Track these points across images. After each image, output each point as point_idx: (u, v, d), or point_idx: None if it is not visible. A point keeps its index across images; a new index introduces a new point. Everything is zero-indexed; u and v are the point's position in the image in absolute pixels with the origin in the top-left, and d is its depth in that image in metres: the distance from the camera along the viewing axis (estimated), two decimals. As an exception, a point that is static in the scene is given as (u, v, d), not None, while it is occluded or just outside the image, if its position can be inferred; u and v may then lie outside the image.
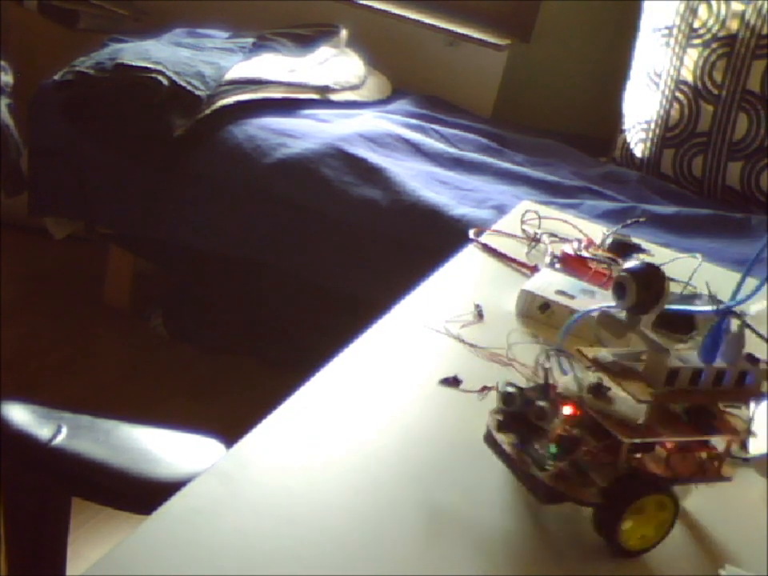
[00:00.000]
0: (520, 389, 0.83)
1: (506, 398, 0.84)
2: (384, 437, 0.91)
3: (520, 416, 0.83)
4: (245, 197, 2.37)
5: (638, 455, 0.82)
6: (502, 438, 0.84)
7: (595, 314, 0.86)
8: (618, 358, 0.83)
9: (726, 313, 0.82)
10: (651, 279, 0.83)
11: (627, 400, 0.80)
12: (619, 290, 0.83)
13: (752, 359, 0.84)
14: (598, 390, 0.82)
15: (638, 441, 0.80)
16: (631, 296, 0.82)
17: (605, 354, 0.84)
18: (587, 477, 0.81)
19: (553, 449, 0.81)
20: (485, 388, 0.97)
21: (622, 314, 0.84)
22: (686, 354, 0.83)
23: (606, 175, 2.75)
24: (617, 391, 0.81)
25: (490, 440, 0.85)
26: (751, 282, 0.84)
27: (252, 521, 0.76)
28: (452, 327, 1.12)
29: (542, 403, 0.81)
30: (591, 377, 0.83)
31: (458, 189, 2.37)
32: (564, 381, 0.83)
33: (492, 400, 0.97)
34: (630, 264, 0.85)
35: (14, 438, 1.08)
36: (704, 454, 0.84)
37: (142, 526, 0.72)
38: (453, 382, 1.01)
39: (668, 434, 0.81)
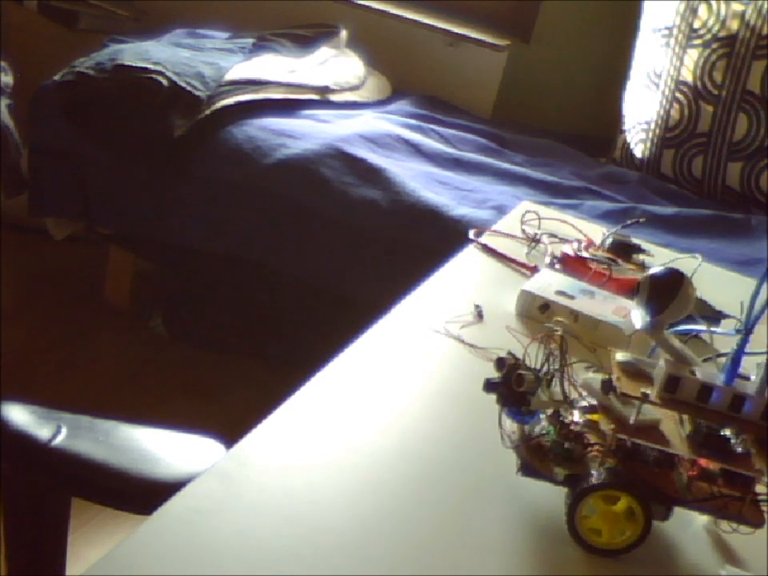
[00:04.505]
0: (516, 358, 0.84)
1: (497, 362, 0.84)
2: (384, 437, 0.91)
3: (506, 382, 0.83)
4: (245, 197, 2.37)
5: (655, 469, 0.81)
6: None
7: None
8: (638, 361, 0.83)
9: (748, 332, 0.80)
10: (667, 284, 0.83)
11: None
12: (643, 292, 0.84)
13: None
14: (608, 386, 0.82)
15: (623, 437, 0.79)
16: (642, 298, 0.83)
17: (626, 354, 0.83)
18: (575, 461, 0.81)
19: (551, 432, 0.82)
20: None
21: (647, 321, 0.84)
22: (710, 371, 0.81)
23: (606, 175, 2.75)
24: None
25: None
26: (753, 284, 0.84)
27: (252, 521, 0.76)
28: (452, 327, 1.12)
29: (523, 372, 0.81)
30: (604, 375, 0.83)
31: (457, 189, 2.37)
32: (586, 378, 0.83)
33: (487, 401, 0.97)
34: (655, 269, 0.85)
35: (13, 438, 1.07)
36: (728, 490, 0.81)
37: (142, 526, 0.72)
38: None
39: (666, 444, 0.80)
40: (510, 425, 0.84)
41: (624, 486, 0.79)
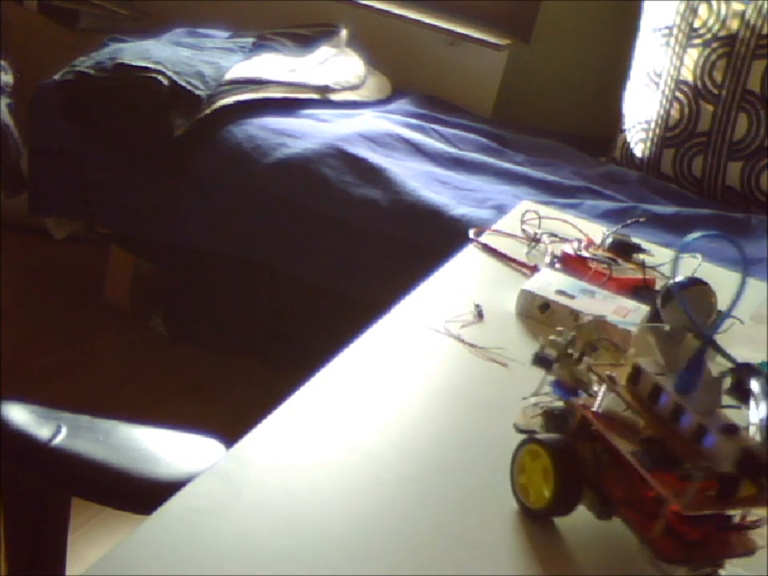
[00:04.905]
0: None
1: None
2: (384, 437, 0.91)
3: None
4: (245, 197, 2.36)
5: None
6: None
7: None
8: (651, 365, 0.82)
9: (708, 343, 0.75)
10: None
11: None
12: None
13: (731, 428, 0.72)
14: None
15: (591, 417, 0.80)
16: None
17: (647, 360, 0.81)
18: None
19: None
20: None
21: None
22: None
23: (606, 175, 2.75)
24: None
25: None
26: (758, 286, 0.84)
27: (252, 521, 0.76)
28: (452, 327, 1.12)
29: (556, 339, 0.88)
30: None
31: (458, 189, 2.37)
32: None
33: (490, 401, 0.97)
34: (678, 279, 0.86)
35: (13, 438, 1.07)
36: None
37: (141, 526, 0.72)
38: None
39: (609, 432, 0.78)
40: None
41: (541, 442, 0.81)
